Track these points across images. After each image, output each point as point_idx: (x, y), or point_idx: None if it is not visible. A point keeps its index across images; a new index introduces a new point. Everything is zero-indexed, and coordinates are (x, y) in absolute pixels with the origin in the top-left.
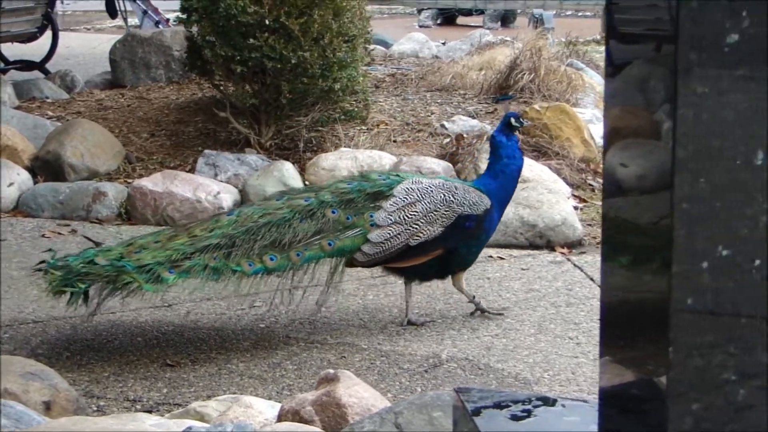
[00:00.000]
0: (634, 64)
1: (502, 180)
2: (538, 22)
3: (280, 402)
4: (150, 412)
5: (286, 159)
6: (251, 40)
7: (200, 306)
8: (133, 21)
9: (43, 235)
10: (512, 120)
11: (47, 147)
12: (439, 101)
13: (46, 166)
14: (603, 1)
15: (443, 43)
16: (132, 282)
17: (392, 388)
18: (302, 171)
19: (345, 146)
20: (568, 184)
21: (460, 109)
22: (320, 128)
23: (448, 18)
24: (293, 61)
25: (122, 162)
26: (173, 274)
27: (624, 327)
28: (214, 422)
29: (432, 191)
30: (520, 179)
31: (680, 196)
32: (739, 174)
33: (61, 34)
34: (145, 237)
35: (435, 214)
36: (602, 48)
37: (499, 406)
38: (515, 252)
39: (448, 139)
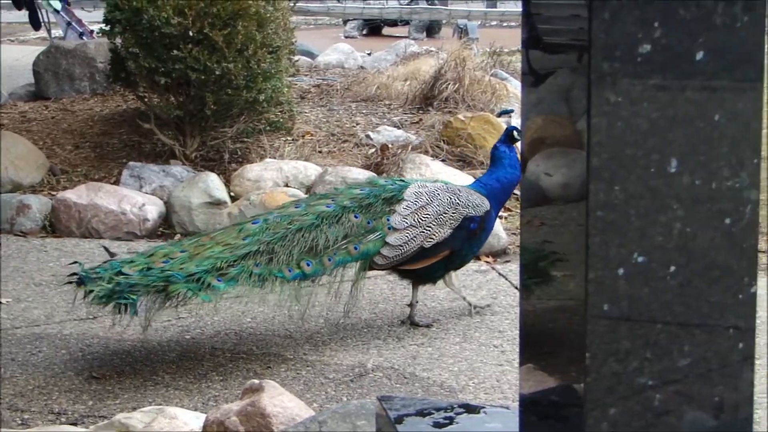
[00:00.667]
0: (558, 74)
1: (503, 185)
2: (462, 32)
3: (205, 413)
4: (75, 424)
5: (212, 170)
6: (175, 52)
7: (125, 318)
8: (57, 32)
9: None
10: (514, 133)
11: None
12: (364, 112)
13: None
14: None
15: (369, 54)
16: (183, 292)
17: (318, 398)
18: (227, 182)
19: (270, 157)
20: None
21: (385, 120)
22: (245, 139)
23: (373, 28)
24: (217, 73)
25: (46, 174)
26: (222, 282)
27: (544, 334)
28: None
29: (439, 194)
30: None
31: (595, 204)
32: (653, 182)
33: None
34: (163, 247)
35: (444, 216)
36: None
37: (421, 413)
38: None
39: (373, 150)
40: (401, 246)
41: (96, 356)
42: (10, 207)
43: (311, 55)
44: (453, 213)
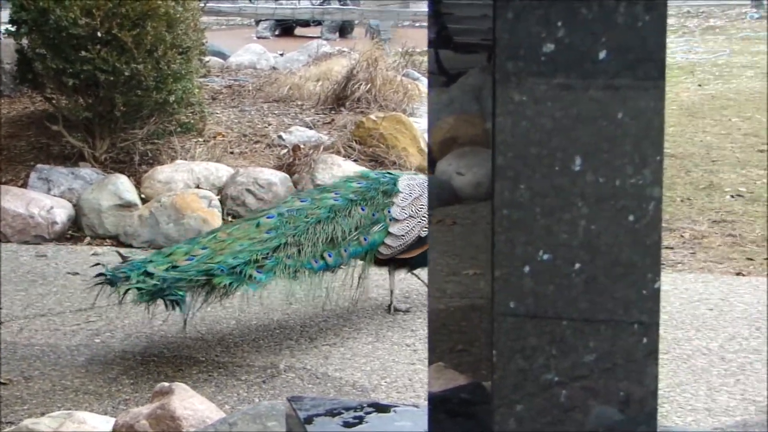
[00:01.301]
0: (469, 74)
1: None
2: (375, 32)
3: (115, 417)
4: None
5: (122, 172)
6: (83, 53)
7: (33, 322)
8: None
9: None
10: None
11: None
12: (276, 112)
13: None
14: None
15: (281, 54)
16: (227, 284)
17: (230, 400)
18: (138, 184)
19: (181, 159)
20: None
21: (297, 120)
22: (156, 141)
23: (286, 29)
24: (126, 74)
25: None
26: (261, 273)
27: (453, 333)
28: None
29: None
30: None
31: (500, 202)
32: (558, 180)
33: None
34: (181, 246)
35: None
36: None
37: (331, 413)
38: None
39: (285, 150)
40: (403, 236)
41: (3, 361)
42: None
43: (223, 56)
44: None
